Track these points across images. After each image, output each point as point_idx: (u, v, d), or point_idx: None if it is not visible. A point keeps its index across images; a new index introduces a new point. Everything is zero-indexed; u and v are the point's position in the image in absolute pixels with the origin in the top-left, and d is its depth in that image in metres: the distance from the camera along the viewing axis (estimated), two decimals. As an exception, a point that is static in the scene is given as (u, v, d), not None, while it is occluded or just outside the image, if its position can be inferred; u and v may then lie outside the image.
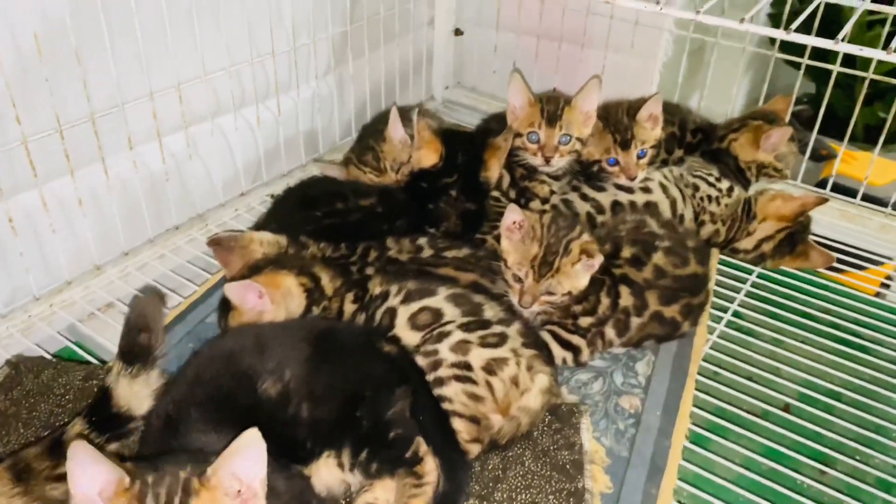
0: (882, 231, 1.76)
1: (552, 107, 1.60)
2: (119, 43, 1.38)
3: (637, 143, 1.58)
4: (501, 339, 1.15)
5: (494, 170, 1.57)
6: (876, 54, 1.20)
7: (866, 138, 2.78)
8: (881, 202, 2.09)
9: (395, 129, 1.56)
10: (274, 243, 1.34)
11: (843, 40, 1.20)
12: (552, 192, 1.66)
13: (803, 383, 1.34)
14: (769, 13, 2.60)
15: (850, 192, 1.89)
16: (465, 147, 1.52)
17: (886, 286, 1.75)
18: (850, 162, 2.20)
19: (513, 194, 1.62)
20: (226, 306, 1.22)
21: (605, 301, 1.32)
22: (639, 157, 1.59)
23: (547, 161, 1.59)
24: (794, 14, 1.77)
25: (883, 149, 1.80)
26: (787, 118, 1.79)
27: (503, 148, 1.55)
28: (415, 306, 1.19)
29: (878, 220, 1.77)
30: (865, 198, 1.85)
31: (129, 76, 1.43)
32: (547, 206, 1.65)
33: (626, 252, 1.36)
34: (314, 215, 1.42)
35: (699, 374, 1.35)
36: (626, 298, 1.33)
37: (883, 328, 1.49)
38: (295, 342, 1.05)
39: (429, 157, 1.49)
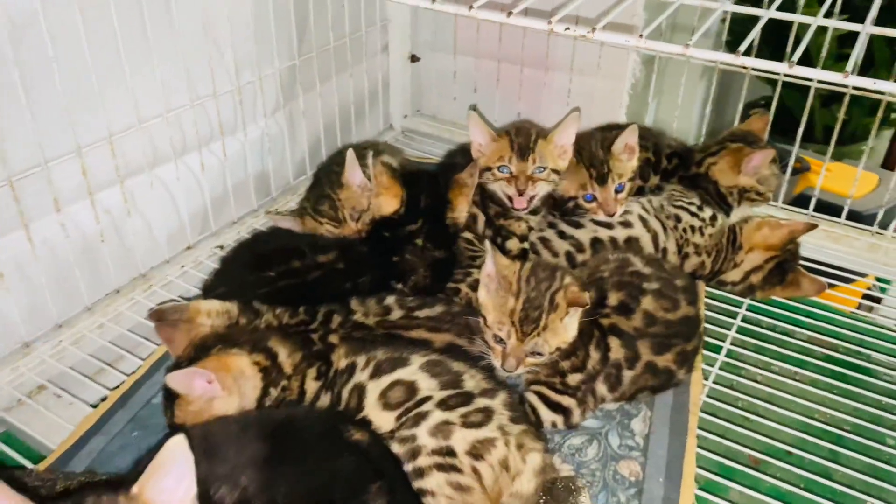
0: (870, 251, 1.68)
1: (523, 139, 1.49)
2: (37, 95, 1.23)
3: (614, 177, 1.48)
4: (486, 416, 1.03)
5: (462, 210, 1.44)
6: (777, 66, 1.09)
7: (825, 139, 2.73)
8: (860, 216, 2.02)
9: (353, 173, 1.43)
10: (223, 313, 1.20)
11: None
12: (530, 229, 1.55)
13: (802, 427, 1.25)
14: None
15: (827, 208, 1.81)
16: (427, 188, 1.39)
17: (874, 300, 1.68)
18: (826, 174, 2.13)
19: (489, 234, 1.50)
20: (171, 394, 1.07)
21: (595, 355, 1.20)
22: (617, 192, 1.49)
23: (520, 193, 1.48)
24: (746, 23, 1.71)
25: (843, 151, 1.72)
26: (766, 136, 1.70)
27: (469, 185, 1.43)
28: (386, 381, 1.05)
29: (865, 239, 1.69)
30: (835, 210, 1.77)
31: (52, 131, 1.28)
32: (526, 244, 1.54)
33: (613, 299, 1.25)
34: (268, 276, 1.28)
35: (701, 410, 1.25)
36: (617, 350, 1.21)
37: (879, 348, 1.42)
38: (249, 441, 0.91)
39: (389, 203, 1.36)
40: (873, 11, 1.06)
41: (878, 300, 2.02)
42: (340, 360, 1.10)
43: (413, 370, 1.06)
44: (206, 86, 1.55)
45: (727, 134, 1.67)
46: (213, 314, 1.20)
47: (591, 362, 1.20)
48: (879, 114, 1.68)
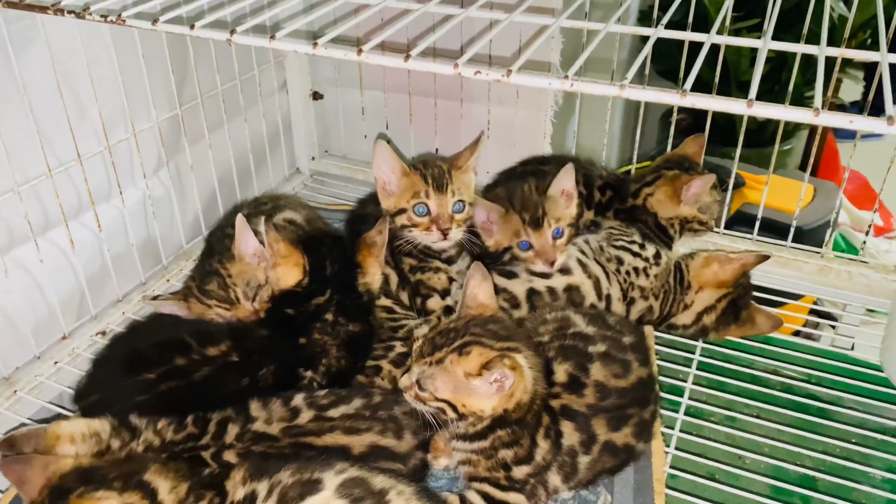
0: (820, 274, 1.57)
1: (436, 170, 1.34)
2: None
3: (550, 221, 1.32)
4: (419, 546, 0.84)
5: (374, 273, 1.26)
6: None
7: (746, 143, 2.67)
8: (799, 231, 1.93)
9: (245, 241, 1.22)
10: (91, 436, 0.97)
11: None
12: (451, 280, 1.38)
13: (773, 473, 1.13)
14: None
15: (768, 226, 1.69)
16: (332, 252, 1.20)
17: (816, 321, 1.57)
18: (758, 188, 2.04)
19: (404, 297, 1.32)
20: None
21: (544, 444, 1.03)
22: (555, 237, 1.33)
23: (445, 235, 1.33)
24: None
25: (764, 153, 1.62)
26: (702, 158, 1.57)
27: (379, 244, 1.25)
28: (294, 515, 0.85)
29: (814, 262, 1.58)
30: (781, 228, 1.66)
31: None
32: (449, 300, 1.36)
33: (561, 373, 1.08)
34: (146, 379, 1.06)
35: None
36: (571, 436, 1.04)
37: (838, 382, 1.32)
38: None
39: (290, 273, 1.16)
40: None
41: (825, 316, 1.94)
42: (237, 490, 0.89)
43: (327, 497, 0.86)
44: (66, 150, 1.32)
45: (661, 161, 1.54)
46: (79, 439, 0.97)
47: (539, 452, 1.03)
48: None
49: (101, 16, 0.98)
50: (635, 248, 1.40)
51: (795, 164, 2.99)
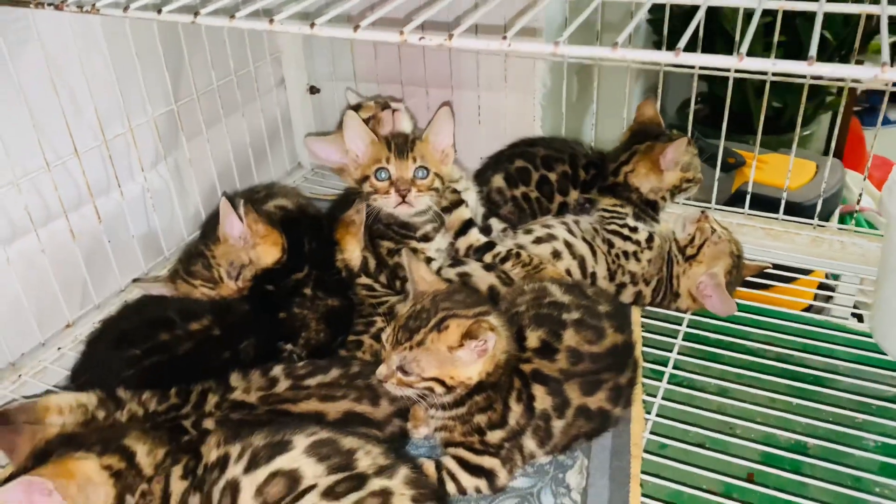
0: (813, 245, 1.57)
1: (399, 139, 1.37)
2: None
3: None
4: (383, 501, 0.86)
5: (352, 250, 1.29)
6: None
7: (763, 130, 2.64)
8: (800, 207, 1.91)
9: (230, 224, 1.26)
10: (78, 408, 1.02)
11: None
12: (429, 261, 1.39)
13: (764, 440, 1.12)
14: (648, 19, 2.45)
15: (767, 202, 1.69)
16: (310, 231, 1.24)
17: (826, 296, 1.56)
18: (762, 167, 2.02)
19: (384, 278, 1.35)
20: (8, 515, 0.89)
21: (517, 408, 1.05)
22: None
23: (403, 198, 1.33)
24: (673, 19, 1.59)
25: (782, 140, 1.61)
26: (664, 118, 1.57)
27: (357, 222, 1.28)
28: (262, 473, 0.88)
29: (806, 234, 1.57)
30: (773, 204, 1.65)
31: None
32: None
33: (533, 339, 1.10)
34: (132, 355, 1.10)
35: (645, 450, 1.10)
36: (543, 399, 1.06)
37: (831, 350, 1.31)
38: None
39: (269, 252, 1.21)
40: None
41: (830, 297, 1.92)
42: (211, 452, 0.93)
43: (295, 456, 0.90)
44: (64, 144, 1.38)
45: (628, 137, 1.54)
46: (66, 410, 1.02)
47: (512, 417, 1.05)
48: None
49: (77, 6, 1.02)
50: (626, 231, 1.41)
51: (818, 150, 2.94)
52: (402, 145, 1.35)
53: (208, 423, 1.01)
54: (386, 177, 1.33)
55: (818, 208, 1.58)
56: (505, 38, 0.78)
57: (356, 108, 1.54)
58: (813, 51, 0.68)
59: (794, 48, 2.47)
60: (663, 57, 0.76)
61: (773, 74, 1.50)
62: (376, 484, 0.88)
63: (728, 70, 1.58)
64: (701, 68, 1.61)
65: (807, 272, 1.60)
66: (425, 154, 1.35)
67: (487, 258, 1.37)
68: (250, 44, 1.78)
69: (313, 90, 2.00)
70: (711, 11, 1.16)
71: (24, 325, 1.38)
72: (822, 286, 1.57)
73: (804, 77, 1.54)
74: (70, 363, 1.37)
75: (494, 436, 1.05)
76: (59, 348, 1.41)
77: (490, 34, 0.83)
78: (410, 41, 0.81)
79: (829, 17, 0.88)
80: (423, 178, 1.34)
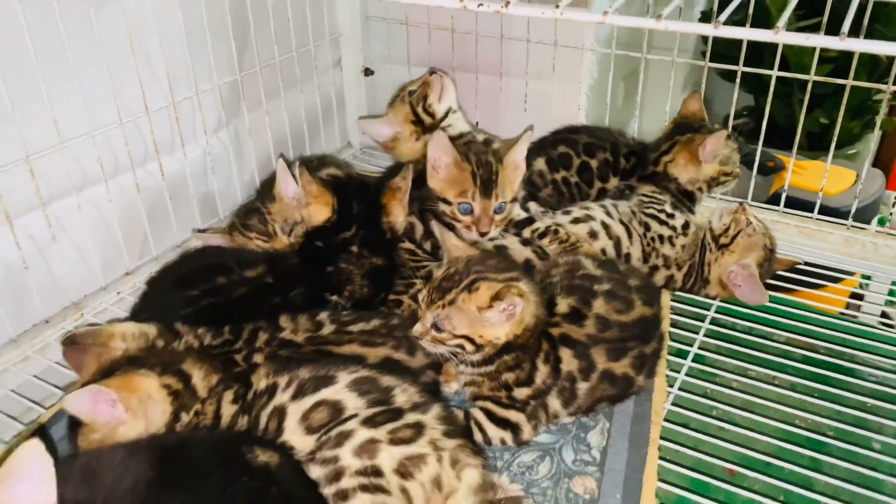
0: (846, 245, 1.60)
1: (484, 172, 1.39)
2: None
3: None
4: (417, 432, 0.93)
5: (397, 214, 1.37)
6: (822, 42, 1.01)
7: (810, 146, 2.65)
8: (837, 213, 1.93)
9: (286, 184, 1.35)
10: (139, 336, 1.11)
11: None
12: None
13: (782, 435, 1.15)
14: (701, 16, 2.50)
15: (804, 206, 1.72)
16: (359, 194, 1.32)
17: (857, 301, 1.58)
18: (800, 172, 2.06)
19: (427, 246, 1.42)
20: (75, 423, 0.98)
21: (544, 368, 1.11)
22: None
23: (483, 235, 1.40)
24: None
25: (825, 155, 1.65)
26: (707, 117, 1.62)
27: (403, 188, 1.36)
28: (308, 402, 0.96)
29: (840, 233, 1.61)
30: (821, 210, 1.69)
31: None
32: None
33: (563, 305, 1.16)
34: (191, 295, 1.19)
35: (663, 437, 1.15)
36: (570, 362, 1.12)
37: (857, 351, 1.33)
38: (134, 466, 0.81)
39: (320, 211, 1.29)
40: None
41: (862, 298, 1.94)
42: (260, 381, 1.01)
43: (339, 389, 0.97)
44: (136, 102, 1.48)
45: (671, 128, 1.59)
46: (129, 337, 1.11)
47: (539, 376, 1.11)
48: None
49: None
50: (663, 216, 1.46)
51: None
52: (487, 181, 1.38)
53: (258, 358, 1.09)
54: (468, 210, 1.38)
55: (853, 210, 1.61)
56: (557, 6, 0.85)
57: (432, 72, 1.62)
58: (845, 27, 0.73)
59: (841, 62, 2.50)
60: (705, 29, 0.81)
61: (815, 74, 1.54)
62: (411, 417, 0.95)
63: (770, 71, 1.61)
64: (744, 67, 1.65)
65: (837, 280, 1.63)
66: (504, 182, 1.39)
67: (526, 233, 1.43)
68: (312, 24, 1.87)
69: (368, 72, 2.08)
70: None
71: (89, 269, 1.48)
72: (853, 295, 1.59)
73: (846, 77, 1.57)
74: (128, 308, 1.47)
75: (521, 392, 1.11)
76: (118, 293, 1.51)
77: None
78: (469, 7, 0.87)
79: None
80: (501, 211, 1.39)
